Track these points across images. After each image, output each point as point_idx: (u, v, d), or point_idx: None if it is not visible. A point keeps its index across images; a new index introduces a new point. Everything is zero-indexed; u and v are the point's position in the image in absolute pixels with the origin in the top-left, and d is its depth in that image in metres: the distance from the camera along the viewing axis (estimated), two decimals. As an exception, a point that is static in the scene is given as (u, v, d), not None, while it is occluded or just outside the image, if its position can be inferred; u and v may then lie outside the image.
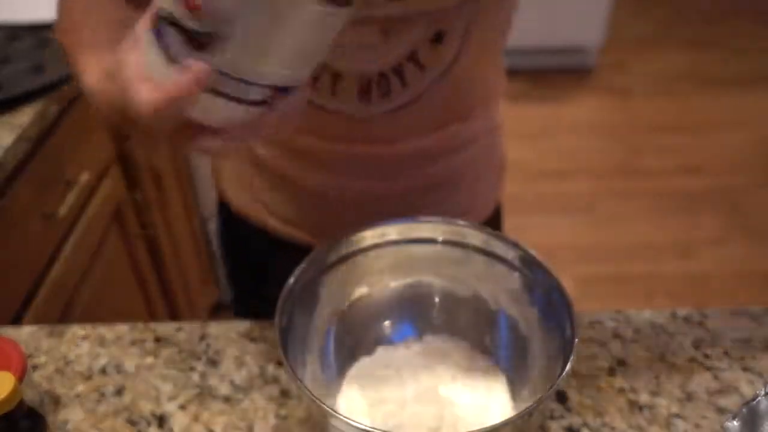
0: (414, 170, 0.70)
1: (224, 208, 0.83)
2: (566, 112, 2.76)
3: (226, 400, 0.59)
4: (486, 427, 0.43)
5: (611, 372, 0.61)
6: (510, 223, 0.88)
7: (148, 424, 0.57)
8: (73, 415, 0.58)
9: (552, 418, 0.57)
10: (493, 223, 0.82)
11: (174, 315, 1.52)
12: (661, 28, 3.36)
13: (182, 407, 0.59)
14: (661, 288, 2.02)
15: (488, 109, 0.73)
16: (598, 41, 2.84)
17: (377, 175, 0.70)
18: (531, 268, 0.55)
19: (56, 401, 0.59)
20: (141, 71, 0.40)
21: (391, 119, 0.64)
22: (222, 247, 0.91)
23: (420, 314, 0.61)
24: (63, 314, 1.03)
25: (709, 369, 0.61)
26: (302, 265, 0.55)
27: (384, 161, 0.69)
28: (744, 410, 0.52)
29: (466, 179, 0.75)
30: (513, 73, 0.97)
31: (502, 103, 0.77)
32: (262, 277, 0.80)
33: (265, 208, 0.77)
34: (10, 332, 0.67)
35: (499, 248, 0.57)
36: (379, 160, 0.69)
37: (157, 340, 0.65)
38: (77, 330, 0.67)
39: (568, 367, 0.46)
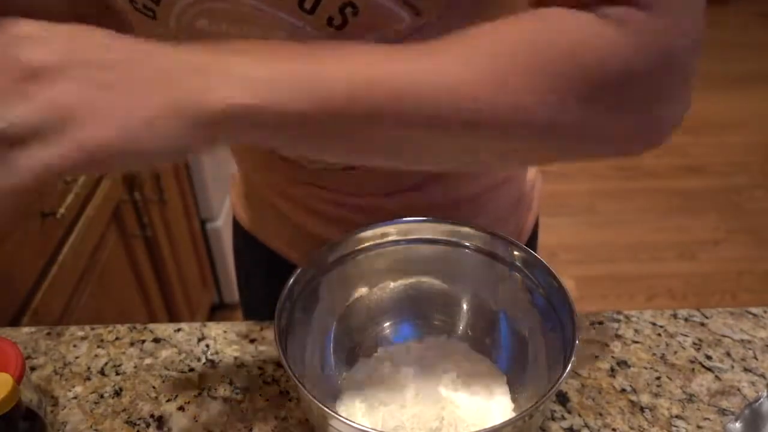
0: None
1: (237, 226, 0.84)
2: (566, 112, 2.75)
3: (226, 401, 0.59)
4: (486, 428, 0.42)
5: (612, 373, 0.60)
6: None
7: (147, 425, 0.57)
8: (72, 416, 0.58)
9: (552, 419, 0.56)
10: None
11: (173, 315, 1.52)
12: (660, 28, 3.36)
13: (181, 408, 0.58)
14: (661, 288, 2.02)
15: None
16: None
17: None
18: (531, 268, 0.55)
19: (55, 402, 0.59)
20: None
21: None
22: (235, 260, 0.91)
23: (420, 314, 0.61)
24: (62, 315, 1.03)
25: (710, 370, 0.60)
26: (302, 265, 0.54)
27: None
28: (746, 411, 0.52)
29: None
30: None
31: None
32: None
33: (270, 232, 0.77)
34: (9, 333, 0.66)
35: (499, 248, 0.57)
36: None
37: (156, 340, 0.65)
38: (76, 331, 0.66)
39: (568, 367, 0.46)
